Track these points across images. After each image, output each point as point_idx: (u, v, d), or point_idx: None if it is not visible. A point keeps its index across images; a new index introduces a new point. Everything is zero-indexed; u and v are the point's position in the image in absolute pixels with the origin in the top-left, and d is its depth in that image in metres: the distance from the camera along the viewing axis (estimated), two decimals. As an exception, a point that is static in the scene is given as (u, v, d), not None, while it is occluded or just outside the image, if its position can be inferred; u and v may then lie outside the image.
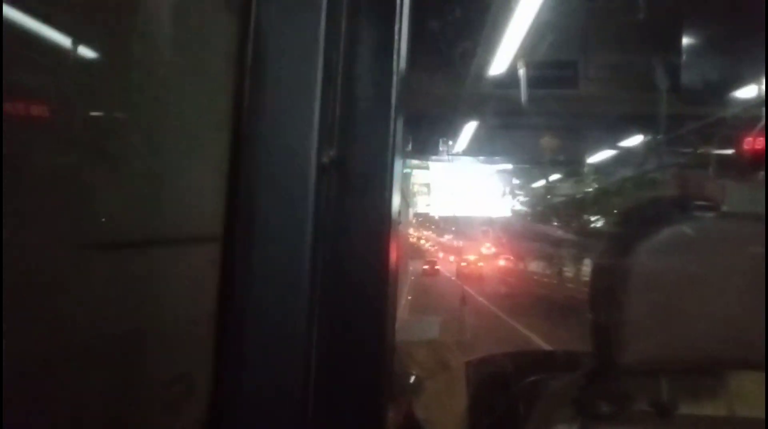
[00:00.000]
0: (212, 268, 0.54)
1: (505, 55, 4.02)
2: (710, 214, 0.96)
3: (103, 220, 0.64)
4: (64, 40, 0.69)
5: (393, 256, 0.66)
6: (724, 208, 1.09)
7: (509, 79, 3.95)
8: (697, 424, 0.86)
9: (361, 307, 0.60)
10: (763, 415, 0.87)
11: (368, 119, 0.62)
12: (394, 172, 0.62)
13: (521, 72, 3.85)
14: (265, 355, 0.54)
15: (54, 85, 0.67)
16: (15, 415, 0.50)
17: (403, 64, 0.65)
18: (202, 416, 0.48)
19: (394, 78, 0.62)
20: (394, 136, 0.62)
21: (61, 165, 0.65)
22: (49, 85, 0.66)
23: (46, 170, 0.63)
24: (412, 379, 1.42)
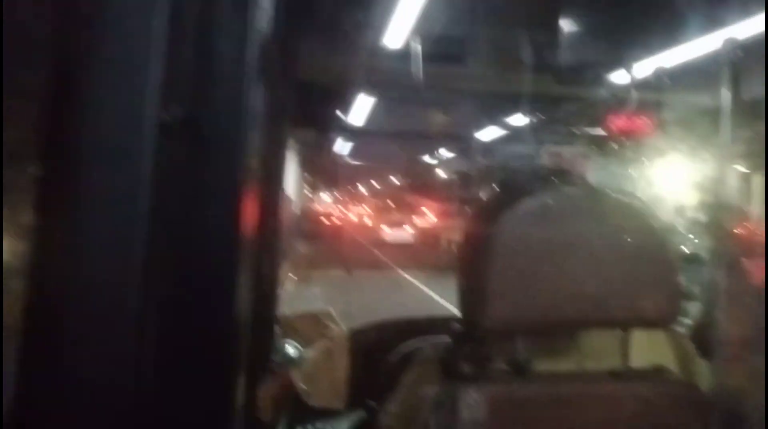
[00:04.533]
0: (21, 251, 0.46)
1: (397, 28, 4.04)
2: (570, 186, 1.02)
3: None
4: None
5: (250, 226, 0.63)
6: (586, 180, 1.17)
7: (401, 53, 3.98)
8: (549, 379, 0.93)
9: (211, 288, 0.56)
10: (607, 367, 0.95)
11: (226, 75, 0.57)
12: (248, 135, 0.58)
13: (413, 46, 3.89)
14: (85, 347, 0.48)
15: None
16: None
17: (264, 15, 0.61)
18: None
19: (251, 32, 0.58)
20: (248, 96, 0.58)
21: None
22: None
23: None
24: (293, 350, 1.41)
